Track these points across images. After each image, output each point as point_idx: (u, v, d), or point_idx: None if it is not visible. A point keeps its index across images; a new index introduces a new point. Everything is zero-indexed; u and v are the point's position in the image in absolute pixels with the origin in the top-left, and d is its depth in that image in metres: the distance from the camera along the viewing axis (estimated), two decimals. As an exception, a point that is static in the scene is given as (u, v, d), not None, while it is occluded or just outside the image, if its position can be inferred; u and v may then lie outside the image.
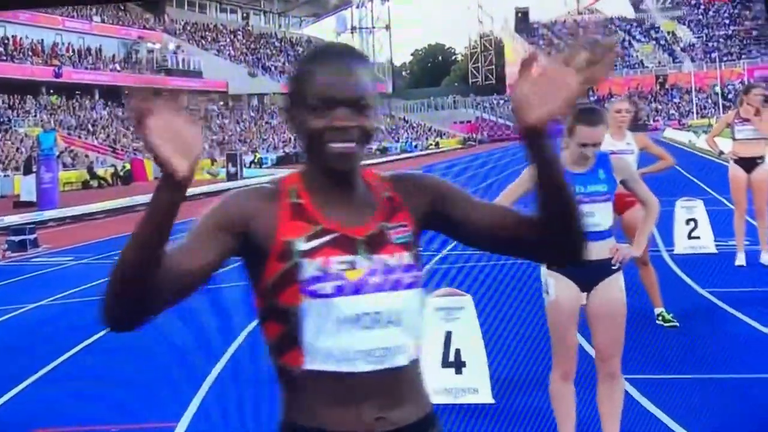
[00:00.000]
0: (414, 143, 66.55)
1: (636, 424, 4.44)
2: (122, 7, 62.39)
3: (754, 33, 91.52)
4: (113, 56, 58.18)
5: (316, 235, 1.59)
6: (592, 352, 4.24)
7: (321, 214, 1.62)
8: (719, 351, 6.02)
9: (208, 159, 44.15)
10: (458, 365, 5.04)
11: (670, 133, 55.39)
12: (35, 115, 45.35)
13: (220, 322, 6.92)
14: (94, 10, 57.43)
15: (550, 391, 4.09)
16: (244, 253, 1.62)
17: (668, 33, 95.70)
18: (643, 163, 6.83)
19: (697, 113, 77.56)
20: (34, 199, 21.50)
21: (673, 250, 9.96)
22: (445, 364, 5.04)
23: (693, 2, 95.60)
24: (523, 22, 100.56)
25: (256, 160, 46.95)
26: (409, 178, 1.74)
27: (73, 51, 54.80)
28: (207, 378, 5.68)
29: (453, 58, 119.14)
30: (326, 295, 1.56)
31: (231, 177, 28.99)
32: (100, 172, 37.47)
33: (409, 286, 1.62)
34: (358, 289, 1.58)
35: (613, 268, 3.97)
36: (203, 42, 68.48)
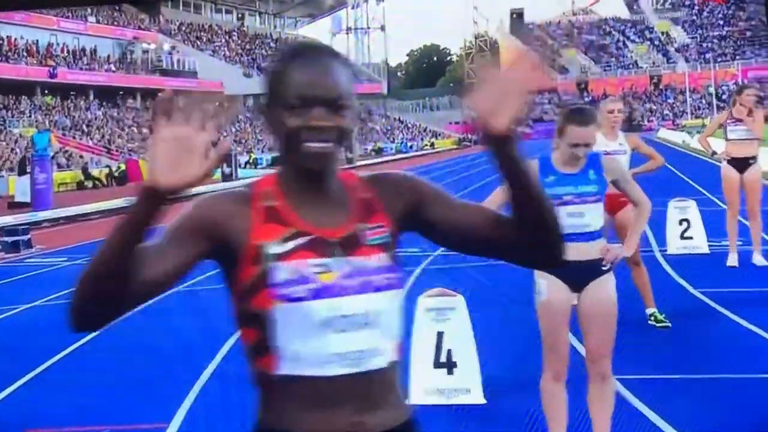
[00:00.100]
0: (409, 144, 66.63)
1: (627, 425, 4.44)
2: (117, 8, 62.33)
3: (748, 34, 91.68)
4: (108, 57, 58.12)
5: (289, 238, 1.57)
6: (583, 352, 4.25)
7: (295, 217, 1.60)
8: (711, 351, 6.04)
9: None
10: (450, 366, 5.05)
11: (664, 134, 55.52)
12: (30, 116, 45.29)
13: (213, 322, 6.92)
14: (89, 10, 57.35)
15: (541, 392, 4.09)
16: (217, 257, 1.60)
17: (662, 33, 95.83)
18: (634, 163, 6.85)
19: (691, 114, 77.71)
20: (28, 199, 21.45)
21: (665, 251, 9.99)
22: (437, 364, 5.05)
23: (687, 3, 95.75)
24: (517, 22, 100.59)
25: (251, 161, 46.93)
26: (388, 178, 1.72)
27: (68, 51, 54.75)
28: (199, 379, 5.67)
29: (448, 58, 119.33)
30: (299, 299, 1.54)
31: (226, 177, 28.93)
32: (94, 172, 37.42)
33: (386, 287, 1.60)
34: (331, 292, 1.56)
35: (604, 268, 3.98)
36: (198, 42, 68.45)
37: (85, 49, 56.28)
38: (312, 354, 1.55)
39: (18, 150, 36.17)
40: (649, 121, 79.08)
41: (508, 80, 1.50)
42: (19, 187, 23.10)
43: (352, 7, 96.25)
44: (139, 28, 63.20)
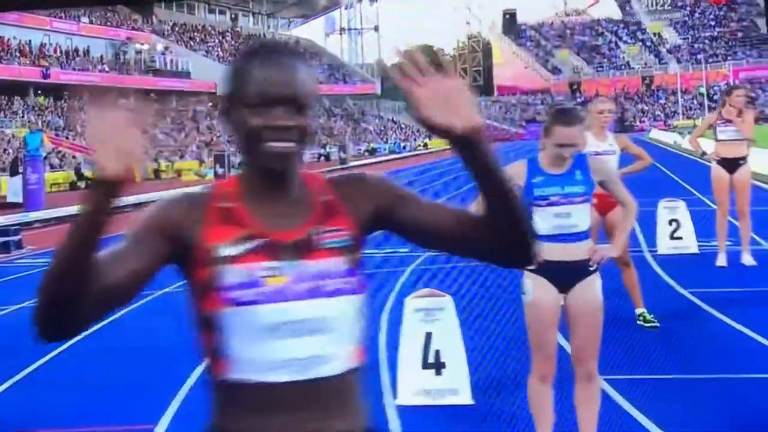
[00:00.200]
0: (402, 144, 66.58)
1: (614, 425, 4.45)
2: (110, 8, 62.17)
3: (740, 35, 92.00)
4: (101, 57, 57.99)
5: (241, 241, 1.55)
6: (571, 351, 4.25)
7: (250, 219, 1.57)
8: (699, 352, 6.04)
9: (196, 161, 44.11)
10: (438, 366, 5.04)
11: (656, 134, 55.68)
12: (23, 116, 45.16)
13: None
14: (82, 10, 57.21)
15: (528, 393, 4.09)
16: (174, 260, 1.57)
17: (654, 34, 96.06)
18: (624, 163, 6.86)
19: (683, 114, 77.94)
20: (20, 200, 21.38)
21: (655, 251, 10.01)
22: (425, 365, 5.05)
23: (679, 4, 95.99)
24: (510, 23, 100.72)
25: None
26: (355, 180, 1.69)
27: (61, 52, 54.62)
28: (186, 380, 5.66)
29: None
30: (247, 303, 1.51)
31: (219, 178, 28.91)
32: (87, 173, 37.31)
33: (340, 292, 1.56)
34: (281, 297, 1.52)
35: (591, 269, 3.98)
36: (192, 43, 68.34)
37: (78, 50, 56.16)
38: (260, 359, 1.52)
39: (10, 150, 36.06)
40: (641, 121, 79.29)
41: (440, 86, 1.47)
42: (11, 188, 23.00)
43: (346, 8, 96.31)
44: (133, 28, 63.08)
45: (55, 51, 53.93)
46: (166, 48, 63.47)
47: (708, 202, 12.66)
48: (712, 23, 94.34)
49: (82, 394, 5.70)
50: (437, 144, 70.24)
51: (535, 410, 4.08)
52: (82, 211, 1.39)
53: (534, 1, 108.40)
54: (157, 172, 39.71)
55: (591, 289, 3.98)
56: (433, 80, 1.48)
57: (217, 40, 72.29)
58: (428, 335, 5.06)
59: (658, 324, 6.58)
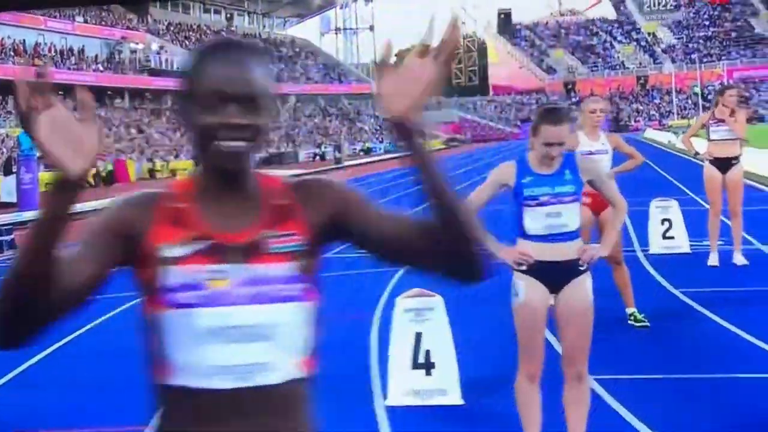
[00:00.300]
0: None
1: (603, 425, 4.44)
2: (105, 7, 62.05)
3: (734, 35, 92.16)
4: (96, 56, 57.88)
5: (187, 242, 1.50)
6: (560, 351, 4.24)
7: (198, 220, 1.52)
8: (690, 351, 6.04)
9: (191, 160, 44.05)
10: (428, 366, 5.03)
11: (651, 134, 55.79)
12: (17, 116, 45.00)
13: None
14: (76, 10, 57.09)
15: (515, 393, 4.08)
16: (125, 260, 1.53)
17: (649, 34, 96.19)
18: (616, 162, 6.86)
19: (678, 114, 78.07)
20: (14, 200, 21.36)
21: (647, 250, 10.01)
22: (415, 365, 5.03)
23: (674, 3, 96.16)
24: (505, 23, 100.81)
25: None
26: (313, 185, 1.62)
27: (56, 51, 54.48)
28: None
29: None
30: (188, 305, 1.47)
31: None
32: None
33: (287, 299, 1.50)
34: (223, 300, 1.48)
35: (581, 268, 3.98)
36: (187, 42, 68.21)
37: (72, 49, 56.02)
38: (199, 365, 1.47)
39: (4, 150, 35.95)
40: (635, 121, 79.44)
41: (414, 69, 1.45)
42: (5, 187, 23.00)
43: (341, 7, 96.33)
44: (128, 27, 62.98)
45: (49, 50, 53.81)
46: (161, 47, 63.37)
47: (701, 201, 12.66)
48: (707, 23, 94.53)
49: (73, 394, 5.68)
50: (433, 144, 70.34)
51: (522, 410, 4.07)
52: (42, 215, 1.37)
53: (529, 1, 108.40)
54: (152, 172, 39.68)
55: (581, 289, 3.97)
56: (399, 75, 1.46)
57: (212, 40, 72.28)
58: (418, 335, 5.05)
59: (648, 324, 6.58)
